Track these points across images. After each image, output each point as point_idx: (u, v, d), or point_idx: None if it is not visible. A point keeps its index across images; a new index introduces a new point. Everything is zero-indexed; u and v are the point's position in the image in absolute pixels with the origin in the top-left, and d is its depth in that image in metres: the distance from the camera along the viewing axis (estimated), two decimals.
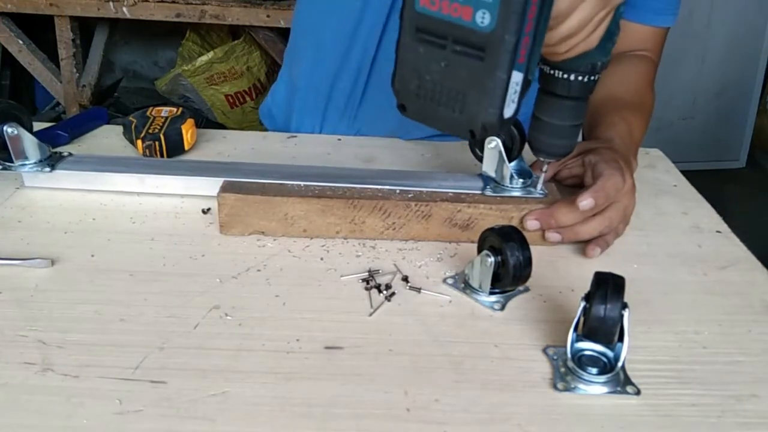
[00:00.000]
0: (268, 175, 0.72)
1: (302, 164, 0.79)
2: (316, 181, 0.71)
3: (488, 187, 0.72)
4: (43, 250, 0.65)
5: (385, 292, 0.62)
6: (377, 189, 0.70)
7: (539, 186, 0.71)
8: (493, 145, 0.72)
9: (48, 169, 0.75)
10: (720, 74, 2.94)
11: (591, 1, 0.53)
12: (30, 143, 0.75)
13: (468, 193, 0.71)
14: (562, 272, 0.67)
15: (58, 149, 0.81)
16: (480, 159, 0.74)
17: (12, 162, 0.75)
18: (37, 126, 0.90)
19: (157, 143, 0.83)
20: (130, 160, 0.81)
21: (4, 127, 0.72)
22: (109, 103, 2.85)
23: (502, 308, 0.61)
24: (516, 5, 0.48)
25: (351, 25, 0.92)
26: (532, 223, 0.69)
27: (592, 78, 0.61)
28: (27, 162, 0.75)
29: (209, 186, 0.73)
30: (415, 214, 0.69)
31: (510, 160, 0.72)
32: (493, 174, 0.73)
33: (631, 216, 0.72)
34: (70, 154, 0.78)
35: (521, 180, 0.72)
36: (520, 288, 0.63)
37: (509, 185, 0.72)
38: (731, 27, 2.88)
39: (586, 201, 0.67)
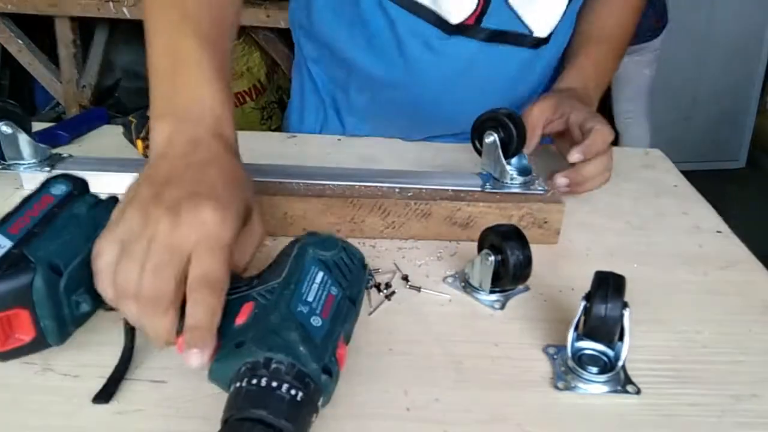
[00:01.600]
0: (268, 174, 0.72)
1: (302, 164, 0.79)
2: (316, 180, 0.71)
3: (488, 184, 0.72)
4: None
5: (384, 291, 0.62)
6: (377, 188, 0.70)
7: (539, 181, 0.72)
8: (491, 140, 0.72)
9: (47, 168, 0.75)
10: (720, 74, 2.94)
11: None
12: (25, 143, 0.74)
13: (468, 191, 0.71)
14: (562, 271, 0.67)
15: (58, 150, 0.81)
16: (480, 153, 0.74)
17: (5, 161, 0.75)
18: (37, 126, 0.90)
19: None
20: (130, 161, 0.81)
21: None
22: (109, 103, 2.84)
23: (503, 307, 0.61)
24: None
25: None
26: (561, 180, 0.73)
27: None
28: (23, 162, 0.75)
29: None
30: (414, 213, 0.69)
31: (508, 157, 0.72)
32: (490, 169, 0.73)
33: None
34: (70, 156, 0.78)
35: (521, 177, 0.72)
36: (521, 287, 0.63)
37: (509, 182, 0.72)
38: (731, 27, 2.88)
39: (576, 155, 0.74)
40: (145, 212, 0.46)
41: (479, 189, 0.72)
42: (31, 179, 0.76)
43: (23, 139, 0.74)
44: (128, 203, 0.48)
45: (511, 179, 0.72)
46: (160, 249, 0.44)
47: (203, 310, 0.44)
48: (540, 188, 0.71)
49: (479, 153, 0.75)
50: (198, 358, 0.43)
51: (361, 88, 0.95)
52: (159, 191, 0.47)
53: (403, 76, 0.90)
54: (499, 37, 0.86)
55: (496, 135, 0.71)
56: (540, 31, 0.87)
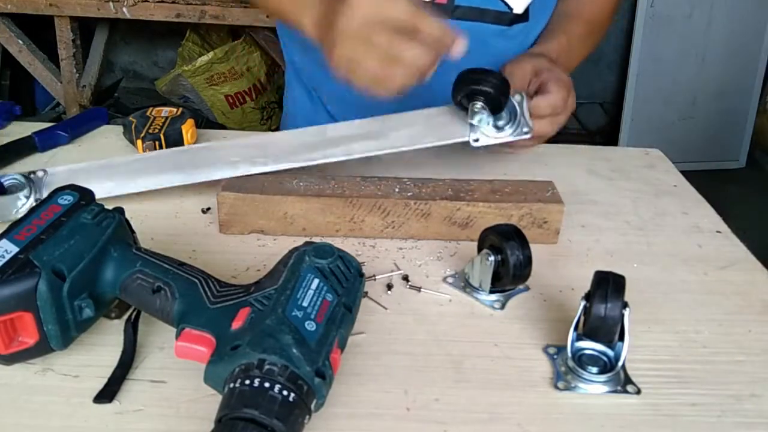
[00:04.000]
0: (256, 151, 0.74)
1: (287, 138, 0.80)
2: (304, 152, 0.73)
3: (476, 137, 0.74)
4: None
5: (385, 291, 0.62)
6: (376, 188, 0.70)
7: (524, 123, 0.73)
8: (479, 106, 0.72)
9: (33, 203, 0.72)
10: (720, 74, 2.94)
11: None
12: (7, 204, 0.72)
13: (468, 192, 0.71)
14: (562, 271, 0.67)
15: (57, 149, 0.79)
16: (461, 106, 0.74)
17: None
18: (38, 126, 0.90)
19: (157, 143, 0.83)
20: (106, 166, 0.78)
21: None
22: (109, 103, 2.84)
23: (502, 307, 0.61)
24: None
25: None
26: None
27: None
28: (15, 209, 0.73)
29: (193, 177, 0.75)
30: (414, 213, 0.69)
31: (496, 114, 0.73)
32: (483, 129, 0.74)
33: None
34: (45, 172, 0.75)
35: (510, 128, 0.73)
36: (520, 287, 0.63)
37: (497, 134, 0.73)
38: (731, 27, 2.88)
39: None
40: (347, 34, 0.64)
41: (466, 139, 0.73)
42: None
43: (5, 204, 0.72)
44: (339, 47, 0.65)
45: (499, 131, 0.73)
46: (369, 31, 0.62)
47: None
48: (526, 129, 0.73)
49: (460, 105, 0.74)
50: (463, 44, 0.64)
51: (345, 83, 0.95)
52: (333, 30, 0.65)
53: None
54: (476, 15, 0.86)
55: (481, 102, 0.72)
56: (518, 6, 0.88)
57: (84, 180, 0.74)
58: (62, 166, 0.77)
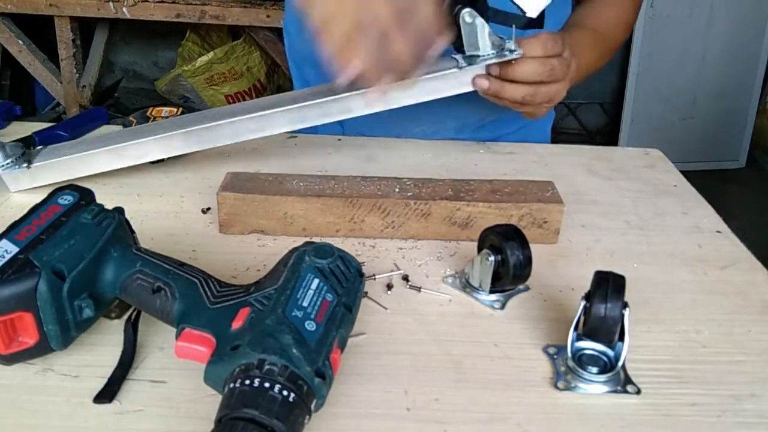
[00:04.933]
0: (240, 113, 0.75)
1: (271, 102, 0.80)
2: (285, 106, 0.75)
3: (463, 61, 0.74)
4: None
5: (385, 291, 0.62)
6: (376, 188, 0.70)
7: (512, 45, 0.73)
8: (470, 20, 0.72)
9: (26, 165, 0.75)
10: (720, 74, 2.94)
11: None
12: None
13: (468, 192, 0.71)
14: (562, 271, 0.67)
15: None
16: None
17: None
18: (37, 126, 0.90)
19: None
20: (101, 138, 0.81)
21: None
22: (109, 104, 2.85)
23: (503, 307, 0.61)
24: None
25: None
26: (481, 82, 0.75)
27: None
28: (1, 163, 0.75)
29: (187, 144, 0.76)
30: (414, 213, 0.69)
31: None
32: (472, 49, 0.74)
33: (553, 96, 0.77)
34: (43, 147, 0.79)
35: (493, 46, 0.73)
36: (520, 287, 0.63)
37: (484, 54, 0.73)
38: (731, 27, 2.88)
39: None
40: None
41: (456, 69, 0.73)
42: (14, 180, 0.76)
43: None
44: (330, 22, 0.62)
45: (485, 50, 0.73)
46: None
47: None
48: (516, 51, 0.72)
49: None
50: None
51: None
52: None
53: None
54: (495, 16, 0.87)
55: (477, 15, 0.72)
56: (531, 10, 0.88)
57: (79, 149, 0.77)
58: (57, 144, 0.81)
